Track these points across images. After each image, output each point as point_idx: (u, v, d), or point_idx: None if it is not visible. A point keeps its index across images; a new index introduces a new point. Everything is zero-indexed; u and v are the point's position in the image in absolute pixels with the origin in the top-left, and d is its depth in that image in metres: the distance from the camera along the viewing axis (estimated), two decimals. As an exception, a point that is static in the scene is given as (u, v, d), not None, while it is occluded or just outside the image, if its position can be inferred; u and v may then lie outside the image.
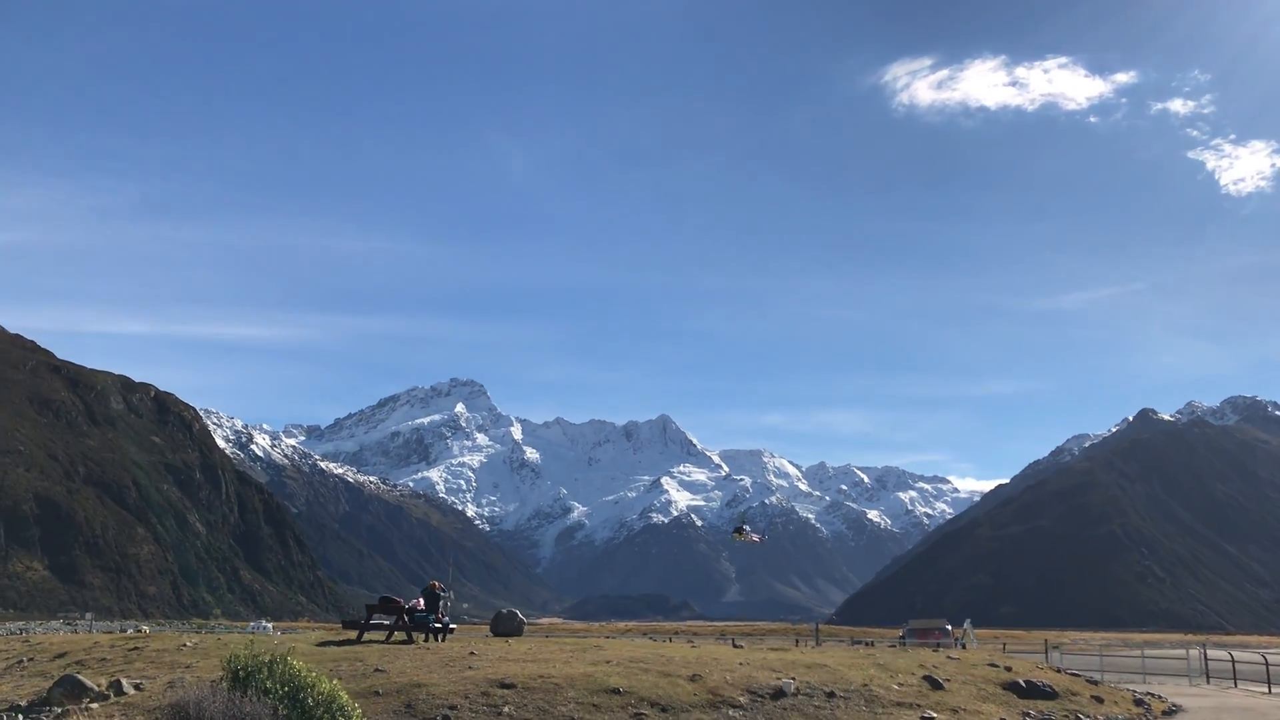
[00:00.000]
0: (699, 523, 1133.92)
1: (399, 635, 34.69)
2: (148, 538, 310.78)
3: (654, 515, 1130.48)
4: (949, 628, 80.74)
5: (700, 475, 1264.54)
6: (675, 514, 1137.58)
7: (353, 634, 35.37)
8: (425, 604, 35.92)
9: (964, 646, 73.62)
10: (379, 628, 35.63)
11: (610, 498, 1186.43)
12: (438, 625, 35.50)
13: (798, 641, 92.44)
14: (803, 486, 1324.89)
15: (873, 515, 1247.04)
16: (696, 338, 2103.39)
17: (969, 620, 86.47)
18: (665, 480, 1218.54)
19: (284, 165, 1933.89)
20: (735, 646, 43.50)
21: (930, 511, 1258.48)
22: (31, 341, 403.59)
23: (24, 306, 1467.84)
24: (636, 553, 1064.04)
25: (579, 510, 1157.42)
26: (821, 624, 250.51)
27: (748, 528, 62.82)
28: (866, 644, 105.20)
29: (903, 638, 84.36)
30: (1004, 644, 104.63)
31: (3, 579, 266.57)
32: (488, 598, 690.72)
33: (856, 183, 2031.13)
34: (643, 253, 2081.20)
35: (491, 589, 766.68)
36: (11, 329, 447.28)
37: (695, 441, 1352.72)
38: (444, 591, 36.70)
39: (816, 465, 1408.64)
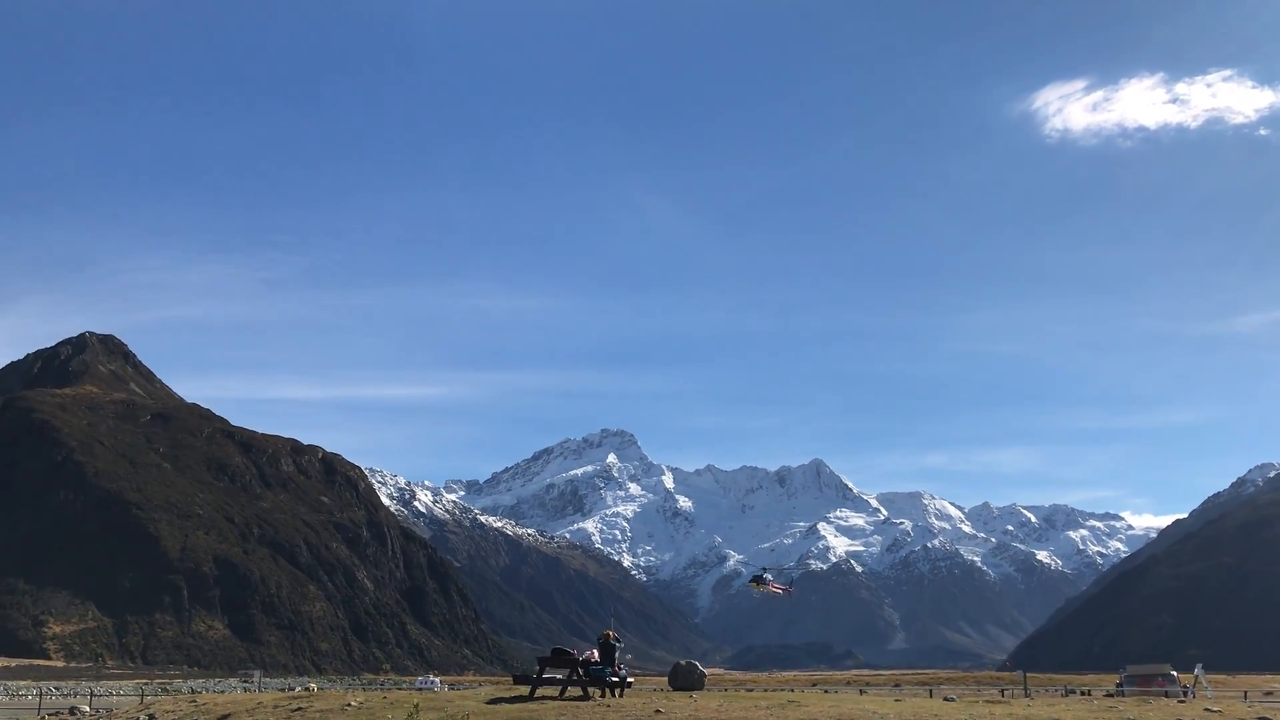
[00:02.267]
0: (859, 569, 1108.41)
1: (574, 690, 32.36)
2: (319, 595, 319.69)
3: (812, 562, 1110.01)
4: (1174, 674, 73.18)
5: (858, 520, 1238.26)
6: (834, 560, 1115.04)
7: (524, 690, 33.29)
8: (600, 656, 33.49)
9: (1193, 695, 66.63)
10: (552, 682, 33.42)
11: (766, 545, 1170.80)
12: (614, 679, 33.01)
13: (1003, 692, 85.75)
14: (966, 528, 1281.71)
15: (1042, 556, 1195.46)
16: (850, 379, 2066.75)
17: (1200, 665, 78.69)
18: (822, 526, 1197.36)
19: (436, 231, 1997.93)
20: (947, 700, 39.43)
21: (1104, 550, 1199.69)
22: (208, 410, 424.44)
23: (201, 377, 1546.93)
24: (796, 601, 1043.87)
25: (735, 558, 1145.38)
26: (999, 670, 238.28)
27: (769, 576, 59.06)
28: (1083, 693, 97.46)
29: (1120, 685, 77.03)
30: (1244, 691, 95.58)
31: (187, 638, 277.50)
32: (647, 648, 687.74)
33: (1011, 212, 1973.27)
34: (793, 295, 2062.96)
35: (650, 640, 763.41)
36: (189, 398, 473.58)
37: (851, 485, 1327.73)
38: (619, 642, 34.19)
39: (980, 506, 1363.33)
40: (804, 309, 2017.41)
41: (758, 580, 58.23)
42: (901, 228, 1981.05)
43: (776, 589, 61.22)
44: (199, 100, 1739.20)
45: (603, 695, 32.64)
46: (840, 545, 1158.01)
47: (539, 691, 32.79)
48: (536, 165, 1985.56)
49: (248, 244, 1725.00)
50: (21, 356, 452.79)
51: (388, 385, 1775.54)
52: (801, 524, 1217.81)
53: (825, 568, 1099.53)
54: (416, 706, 19.86)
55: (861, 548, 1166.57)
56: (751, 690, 61.77)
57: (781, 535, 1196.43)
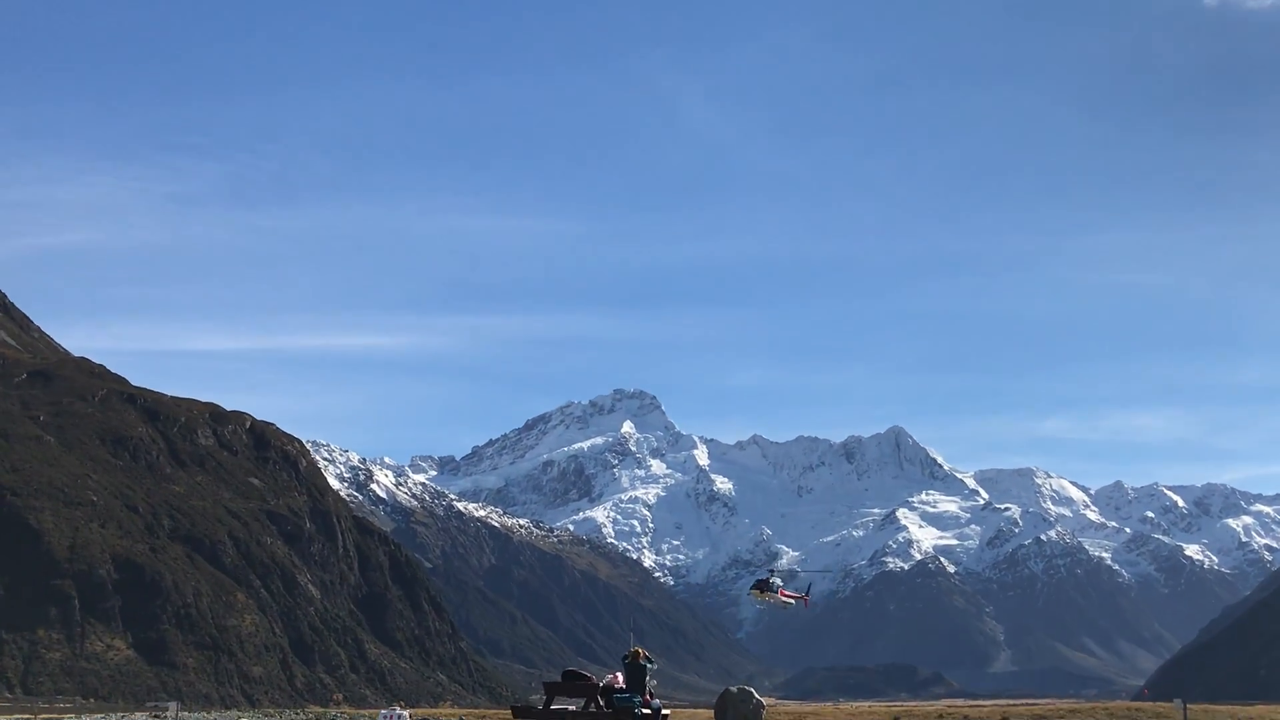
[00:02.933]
0: (951, 568, 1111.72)
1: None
2: (250, 605, 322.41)
3: (889, 560, 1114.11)
4: None
5: (949, 505, 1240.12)
6: (918, 557, 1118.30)
7: (527, 729, 32.55)
8: (626, 681, 32.69)
9: None
10: (562, 715, 32.60)
11: (829, 538, 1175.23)
12: (646, 710, 32.17)
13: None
14: (1092, 515, 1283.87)
15: (1192, 551, 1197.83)
16: (939, 321, 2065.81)
17: (1179, 700, 77.90)
18: (902, 513, 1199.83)
19: (397, 129, 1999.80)
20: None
21: (1274, 544, 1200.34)
22: (100, 366, 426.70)
23: (90, 323, 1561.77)
24: (868, 610, 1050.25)
25: (789, 555, 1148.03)
26: (1136, 700, 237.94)
27: (777, 580, 57.86)
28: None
29: None
30: None
31: (80, 661, 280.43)
32: (675, 672, 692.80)
33: (1159, 100, 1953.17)
34: (865, 213, 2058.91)
35: (680, 661, 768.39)
36: (76, 351, 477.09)
37: (940, 460, 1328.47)
38: (650, 663, 33.39)
39: (1110, 486, 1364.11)
40: (881, 230, 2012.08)
41: (761, 587, 57.25)
42: (1011, 122, 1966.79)
43: (788, 598, 60.26)
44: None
45: (631, 736, 31.74)
46: (926, 538, 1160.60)
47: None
48: (527, 42, 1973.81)
49: (149, 149, 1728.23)
50: None
51: (335, 334, 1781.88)
52: (876, 511, 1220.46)
53: (907, 567, 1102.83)
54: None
55: (954, 541, 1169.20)
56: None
57: (849, 525, 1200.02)
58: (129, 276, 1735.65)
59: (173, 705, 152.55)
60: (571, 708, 33.29)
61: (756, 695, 37.47)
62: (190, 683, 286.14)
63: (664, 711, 33.75)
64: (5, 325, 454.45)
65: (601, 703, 32.06)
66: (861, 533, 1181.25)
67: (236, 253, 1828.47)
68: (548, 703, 32.76)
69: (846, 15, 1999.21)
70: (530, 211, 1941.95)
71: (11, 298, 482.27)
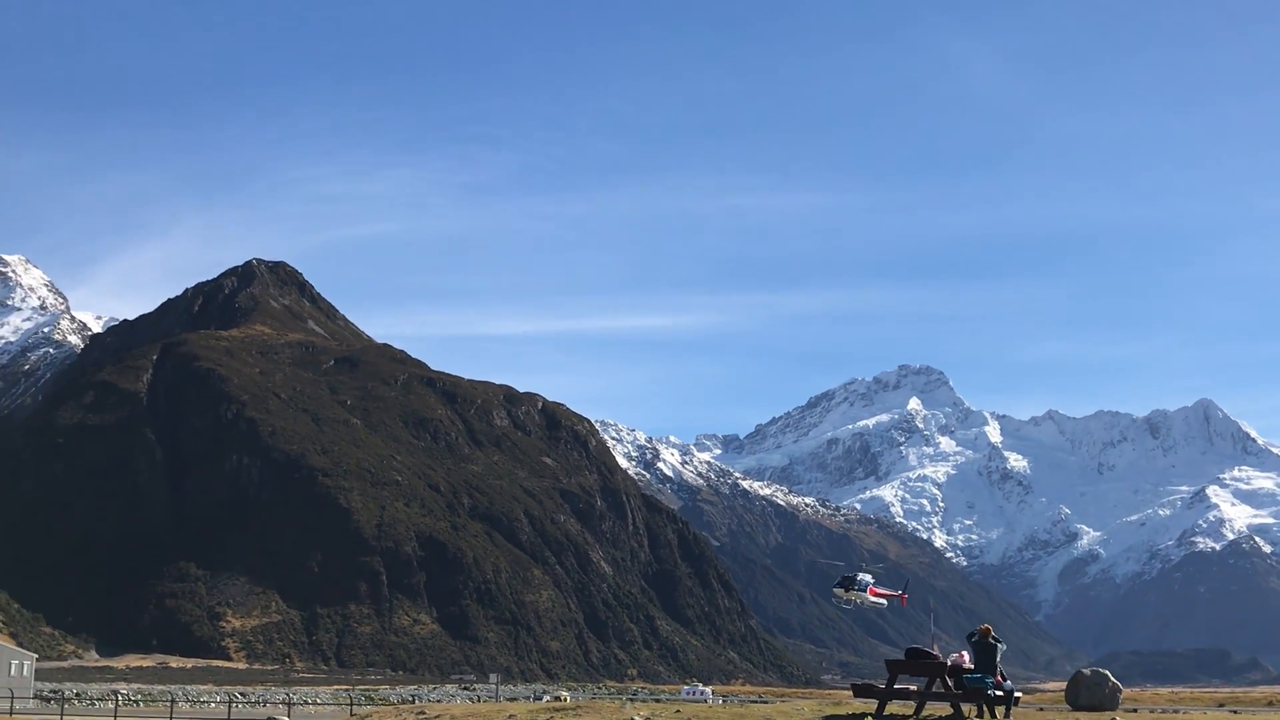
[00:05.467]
0: (1267, 548, 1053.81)
1: (937, 708, 30.56)
2: (546, 581, 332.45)
3: (1199, 540, 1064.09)
4: None
5: (1265, 481, 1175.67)
6: (1231, 537, 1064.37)
7: (867, 706, 31.92)
8: (975, 660, 31.47)
9: None
10: (906, 695, 31.64)
11: (1133, 517, 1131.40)
12: (998, 693, 30.90)
13: None
14: None
15: None
16: (1251, 285, 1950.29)
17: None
18: (1213, 490, 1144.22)
19: (679, 111, 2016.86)
20: None
21: None
22: (401, 351, 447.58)
23: (392, 311, 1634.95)
24: (1176, 592, 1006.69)
25: (1089, 535, 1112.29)
26: None
27: (866, 578, 51.90)
28: None
29: None
30: None
31: (388, 635, 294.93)
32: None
33: None
34: (1169, 174, 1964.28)
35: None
36: (379, 338, 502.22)
37: (1254, 435, 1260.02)
38: (999, 641, 32.06)
39: None
40: (1187, 191, 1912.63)
41: (846, 584, 52.30)
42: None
43: (880, 597, 54.82)
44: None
45: (980, 715, 30.58)
46: (1240, 517, 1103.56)
47: (889, 708, 31.20)
48: (804, 12, 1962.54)
49: (445, 141, 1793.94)
50: (180, 292, 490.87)
51: (622, 315, 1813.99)
52: (1184, 488, 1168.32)
53: (1219, 547, 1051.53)
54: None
55: (1271, 520, 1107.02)
56: (1177, 712, 57.27)
57: (1155, 504, 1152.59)
58: (427, 264, 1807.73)
59: (493, 678, 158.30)
60: (913, 688, 32.27)
61: (1112, 679, 35.51)
62: (491, 656, 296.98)
63: (1016, 694, 32.38)
64: (313, 315, 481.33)
65: (949, 683, 30.86)
66: (1168, 511, 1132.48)
67: (528, 238, 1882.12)
68: (890, 681, 31.77)
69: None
70: (815, 185, 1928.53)
71: (319, 288, 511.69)
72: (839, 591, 54.41)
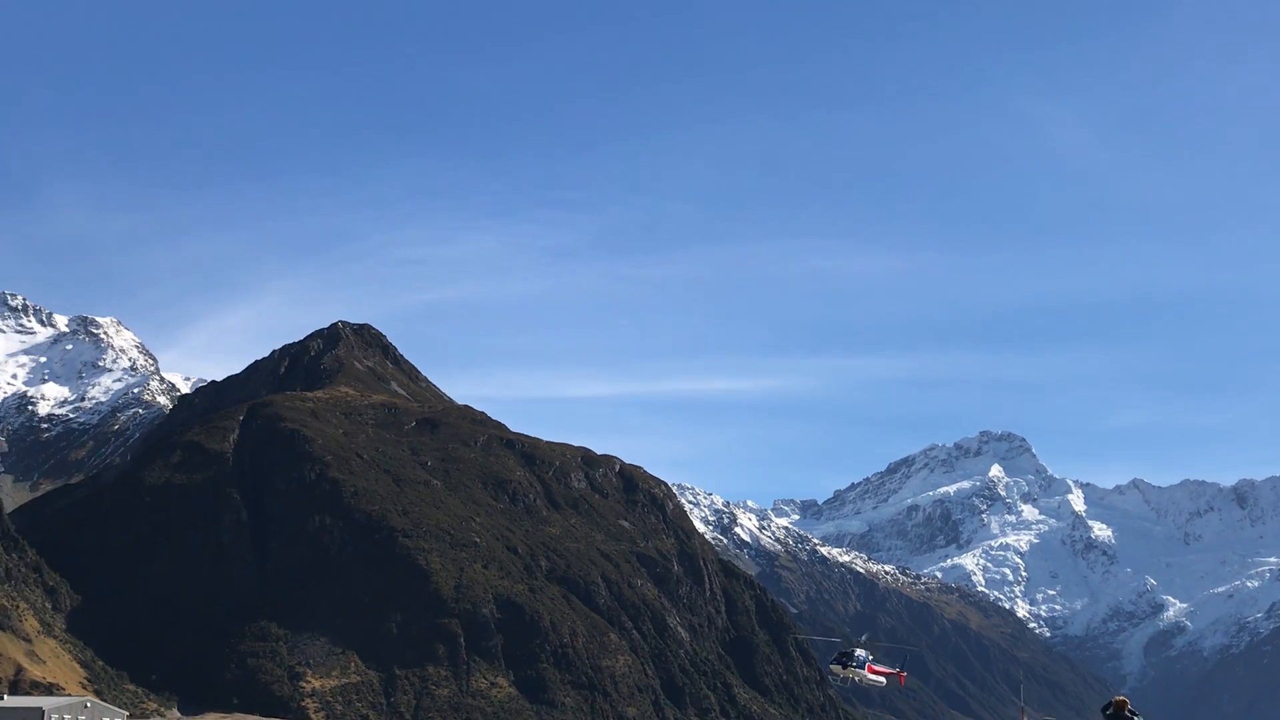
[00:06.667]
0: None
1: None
2: (623, 646, 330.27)
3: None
4: None
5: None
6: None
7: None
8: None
9: None
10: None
11: (1220, 589, 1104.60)
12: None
13: None
14: None
15: None
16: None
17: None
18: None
19: (758, 174, 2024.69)
20: None
21: None
22: (482, 413, 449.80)
23: (472, 372, 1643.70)
24: (1265, 666, 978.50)
25: (1175, 607, 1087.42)
26: None
27: (862, 653, 49.73)
28: None
29: None
30: None
31: (465, 697, 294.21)
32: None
33: None
34: (1256, 239, 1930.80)
35: (1061, 716, 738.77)
36: (460, 399, 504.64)
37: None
38: (1135, 714, 31.43)
39: None
40: (1275, 255, 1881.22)
41: (843, 661, 50.53)
42: None
43: (878, 674, 52.62)
44: (460, 37, 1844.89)
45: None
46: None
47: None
48: (882, 75, 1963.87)
49: (526, 205, 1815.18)
50: (266, 354, 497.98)
51: (700, 378, 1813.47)
52: (1273, 560, 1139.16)
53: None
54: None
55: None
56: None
57: (1242, 575, 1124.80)
58: (508, 327, 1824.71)
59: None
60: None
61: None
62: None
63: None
64: (396, 376, 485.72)
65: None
66: (1257, 583, 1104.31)
67: (608, 301, 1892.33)
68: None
69: (1229, 24, 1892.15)
70: (894, 249, 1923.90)
71: (402, 350, 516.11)
72: (836, 669, 53.05)
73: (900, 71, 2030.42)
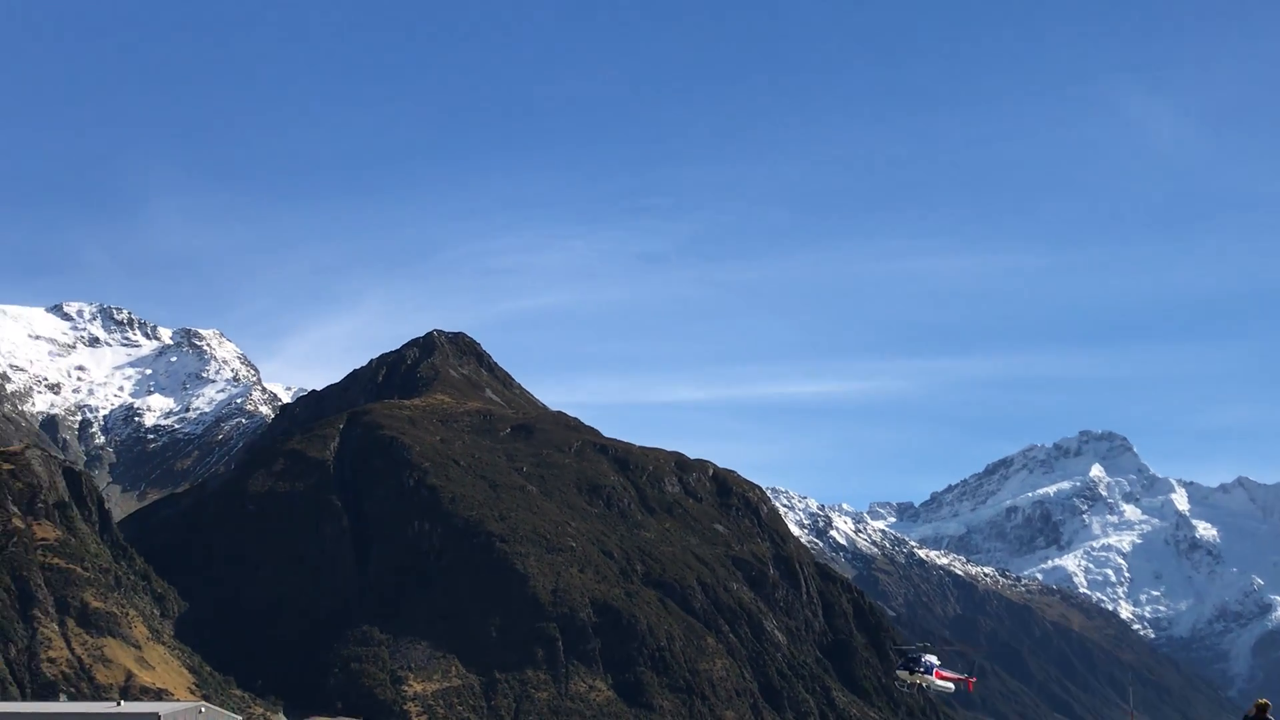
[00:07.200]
0: None
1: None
2: (720, 650, 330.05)
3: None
4: None
5: None
6: None
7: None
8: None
9: None
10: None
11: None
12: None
13: None
14: None
15: None
16: None
17: None
18: None
19: (852, 174, 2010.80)
20: None
21: None
22: (575, 419, 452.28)
23: (565, 379, 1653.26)
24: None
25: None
26: None
27: (931, 659, 47.08)
28: None
29: None
30: None
31: (564, 700, 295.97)
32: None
33: None
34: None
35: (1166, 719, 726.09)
36: (553, 405, 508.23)
37: None
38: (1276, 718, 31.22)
39: None
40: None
41: (909, 667, 47.86)
42: None
43: (946, 680, 49.89)
44: (549, 47, 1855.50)
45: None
46: None
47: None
48: (975, 73, 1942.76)
49: (617, 211, 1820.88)
50: (365, 363, 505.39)
51: (793, 381, 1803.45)
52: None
53: None
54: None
55: None
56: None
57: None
58: (600, 333, 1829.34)
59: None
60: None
61: None
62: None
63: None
64: (490, 384, 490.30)
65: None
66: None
67: (699, 306, 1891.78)
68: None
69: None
70: (989, 248, 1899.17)
71: (495, 358, 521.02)
72: (903, 674, 50.89)
73: (995, 69, 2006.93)
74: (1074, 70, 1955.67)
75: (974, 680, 53.17)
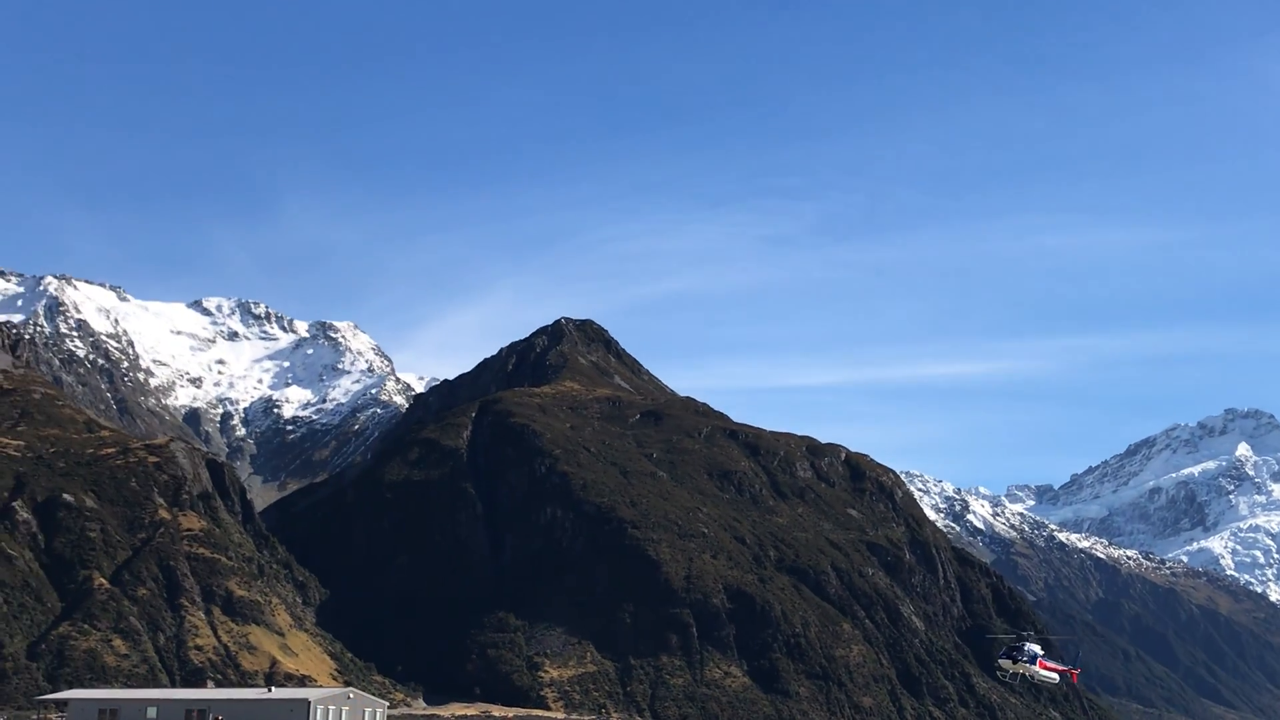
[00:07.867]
0: None
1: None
2: (856, 636, 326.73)
3: None
4: None
5: None
6: None
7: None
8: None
9: None
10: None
11: None
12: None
13: None
14: None
15: None
16: None
17: None
18: None
19: (981, 149, 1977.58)
20: None
21: None
22: (704, 404, 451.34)
23: (694, 364, 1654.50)
24: None
25: None
26: None
27: (1034, 648, 43.69)
28: None
29: None
30: None
31: (700, 687, 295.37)
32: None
33: None
34: None
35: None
36: (682, 391, 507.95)
37: None
38: None
39: None
40: None
41: (1012, 656, 45.36)
42: None
43: (1050, 670, 47.37)
44: (674, 31, 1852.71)
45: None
46: None
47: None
48: (1108, 43, 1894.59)
49: (743, 194, 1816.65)
50: (495, 351, 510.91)
51: (927, 363, 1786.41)
52: None
53: None
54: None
55: None
56: None
57: None
58: (729, 318, 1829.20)
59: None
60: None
61: None
62: (804, 711, 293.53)
63: None
64: (619, 370, 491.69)
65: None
66: None
67: (829, 288, 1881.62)
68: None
69: None
70: (1128, 222, 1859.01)
71: (624, 344, 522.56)
72: (1005, 664, 49.27)
73: (1132, 37, 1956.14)
74: (1215, 35, 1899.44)
75: (1078, 671, 51.35)
